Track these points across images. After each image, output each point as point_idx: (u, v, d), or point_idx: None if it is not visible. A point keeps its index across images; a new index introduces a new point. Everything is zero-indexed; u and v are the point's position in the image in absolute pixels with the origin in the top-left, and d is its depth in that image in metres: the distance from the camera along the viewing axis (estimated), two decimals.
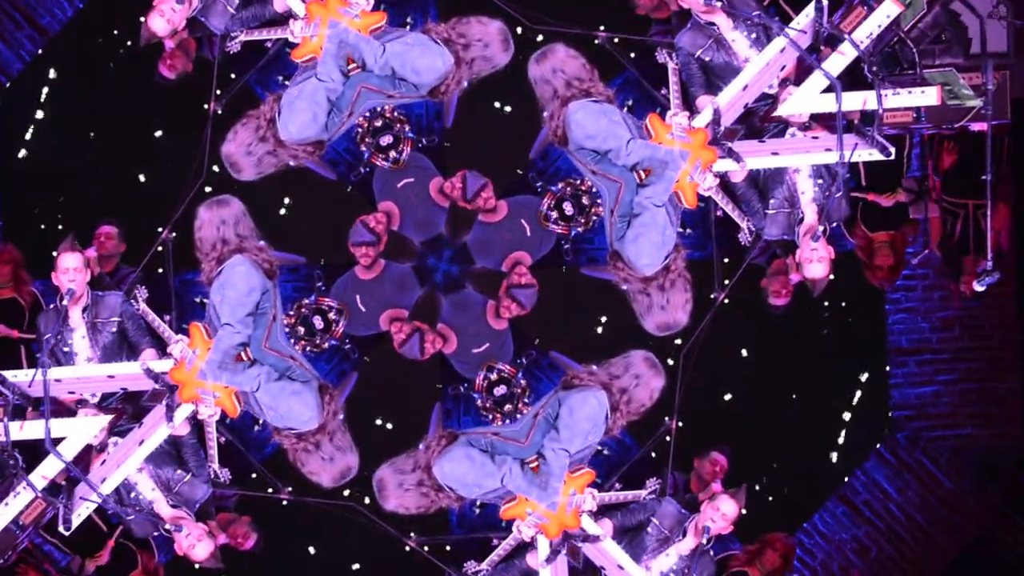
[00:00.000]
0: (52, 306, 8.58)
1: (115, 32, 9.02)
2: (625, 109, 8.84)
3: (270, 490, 8.87)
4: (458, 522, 8.96)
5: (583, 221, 8.69)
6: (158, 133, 8.96)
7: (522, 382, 8.71)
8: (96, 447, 8.50)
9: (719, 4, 8.20)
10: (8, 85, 9.11)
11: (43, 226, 9.14)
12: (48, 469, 8.20)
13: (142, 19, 8.60)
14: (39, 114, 9.10)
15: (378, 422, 9.07)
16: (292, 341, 8.64)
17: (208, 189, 8.92)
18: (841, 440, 9.25)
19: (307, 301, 8.70)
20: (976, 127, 8.26)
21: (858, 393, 9.30)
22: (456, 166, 8.80)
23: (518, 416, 8.63)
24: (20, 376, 8.26)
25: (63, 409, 8.54)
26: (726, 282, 8.81)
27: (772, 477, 9.11)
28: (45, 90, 9.10)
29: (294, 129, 8.42)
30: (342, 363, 8.85)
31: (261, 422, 8.81)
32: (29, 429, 8.16)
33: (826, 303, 9.03)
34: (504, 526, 8.70)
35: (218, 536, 8.78)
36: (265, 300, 8.51)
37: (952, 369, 9.43)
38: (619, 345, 8.96)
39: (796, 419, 9.13)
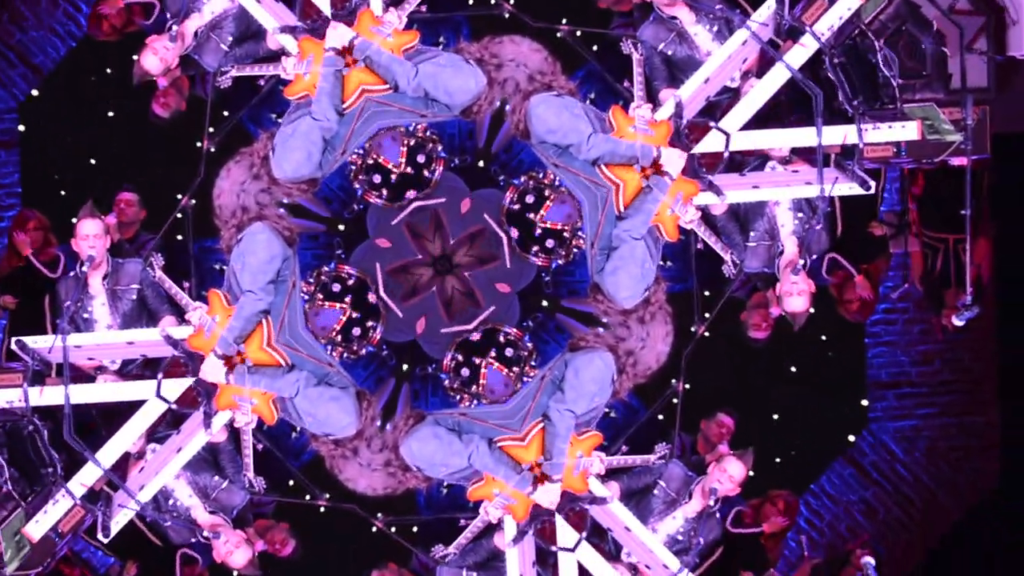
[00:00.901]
0: (72, 273, 8.54)
1: (108, 71, 9.01)
2: (587, 102, 8.77)
3: (308, 496, 8.84)
4: (426, 503, 8.89)
5: (564, 253, 8.62)
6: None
7: (528, 345, 8.58)
8: (134, 454, 8.48)
9: None
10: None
11: (63, 192, 9.07)
12: (87, 476, 8.20)
13: (135, 57, 8.61)
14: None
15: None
16: (327, 348, 8.53)
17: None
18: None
19: (327, 269, 8.60)
20: (956, 162, 8.25)
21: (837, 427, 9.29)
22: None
23: (525, 380, 8.49)
24: (40, 342, 8.24)
25: (83, 375, 8.51)
26: (706, 315, 8.78)
27: (779, 438, 9.02)
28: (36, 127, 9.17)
29: (288, 168, 8.38)
30: (379, 370, 8.77)
31: (299, 429, 8.76)
32: (49, 395, 8.15)
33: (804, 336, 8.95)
34: (472, 507, 8.61)
35: (256, 543, 8.73)
36: (285, 267, 8.42)
37: (931, 403, 9.45)
38: None
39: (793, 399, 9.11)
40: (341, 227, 8.76)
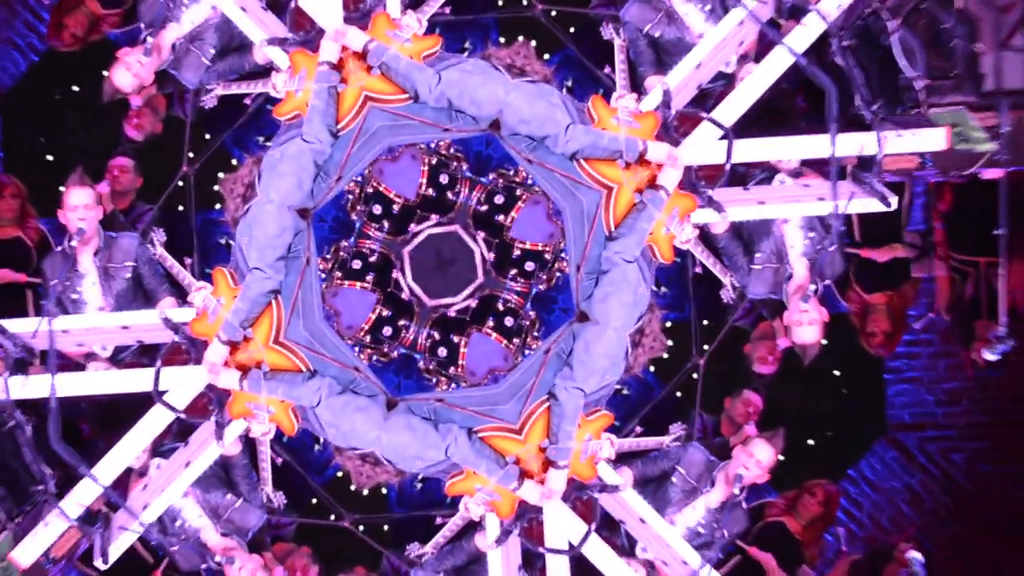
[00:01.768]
0: (59, 248, 8.26)
1: (75, 88, 8.87)
2: (564, 90, 8.47)
3: (332, 517, 8.60)
4: (397, 500, 8.73)
5: (545, 278, 8.13)
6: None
7: (531, 314, 8.12)
8: (137, 470, 8.23)
9: None
10: None
11: (50, 157, 8.83)
12: (83, 495, 7.89)
13: (105, 73, 8.37)
14: None
15: None
16: (356, 350, 8.07)
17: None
18: None
19: (346, 244, 8.11)
20: (989, 174, 7.99)
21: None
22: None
23: (527, 352, 8.03)
24: (23, 326, 7.87)
25: (71, 364, 8.26)
26: (705, 347, 8.59)
27: (812, 418, 8.81)
28: None
29: (277, 196, 7.90)
30: (412, 375, 8.29)
31: (322, 441, 8.56)
32: (33, 386, 7.79)
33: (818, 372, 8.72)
34: (449, 503, 8.37)
35: (274, 569, 8.48)
36: (298, 242, 7.97)
37: (958, 448, 9.23)
38: None
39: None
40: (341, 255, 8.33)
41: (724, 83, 8.27)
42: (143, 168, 8.76)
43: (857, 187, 7.98)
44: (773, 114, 8.29)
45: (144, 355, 8.34)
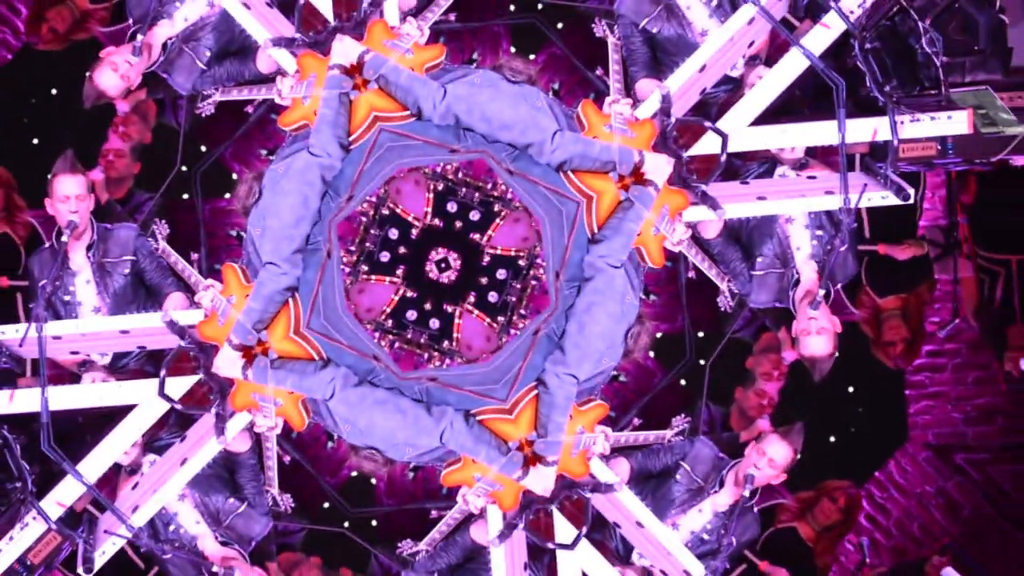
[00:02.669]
0: (48, 245, 8.06)
1: (53, 91, 8.48)
2: (550, 93, 8.33)
3: (346, 524, 8.35)
4: (387, 491, 8.44)
5: (519, 287, 7.92)
6: None
7: (517, 286, 7.95)
8: (126, 467, 7.99)
9: None
10: None
11: (36, 141, 8.46)
12: (65, 494, 7.67)
13: (88, 74, 8.07)
14: None
15: None
16: (375, 336, 7.80)
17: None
18: None
19: (374, 233, 7.94)
20: (1020, 161, 7.75)
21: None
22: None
23: (513, 332, 7.83)
24: (9, 333, 7.69)
25: (64, 374, 8.08)
26: (701, 362, 8.36)
27: (834, 413, 8.49)
28: None
29: (279, 216, 7.76)
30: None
31: (336, 438, 8.33)
32: (21, 400, 7.62)
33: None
34: (446, 494, 8.22)
35: None
36: (318, 232, 7.74)
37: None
38: None
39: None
40: (351, 283, 8.08)
41: (729, 88, 8.06)
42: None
43: (870, 178, 7.78)
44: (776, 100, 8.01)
45: (149, 361, 8.10)
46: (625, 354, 8.13)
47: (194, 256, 8.27)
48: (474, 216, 7.93)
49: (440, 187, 7.87)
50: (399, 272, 7.89)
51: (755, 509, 8.13)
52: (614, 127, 7.81)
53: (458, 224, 7.99)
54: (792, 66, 7.72)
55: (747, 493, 7.75)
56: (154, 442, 8.01)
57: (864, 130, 7.61)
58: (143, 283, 8.13)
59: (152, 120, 8.35)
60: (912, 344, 8.50)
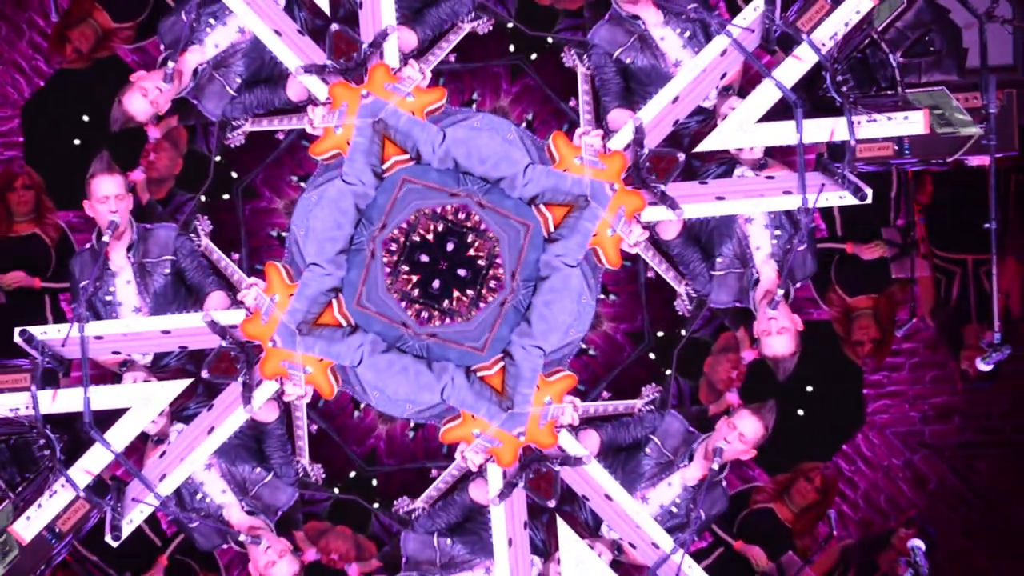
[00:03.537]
0: (89, 246, 7.96)
1: (85, 118, 8.55)
2: (524, 124, 8.42)
3: (376, 505, 8.36)
4: (387, 450, 8.45)
5: (477, 287, 7.91)
6: None
7: (482, 263, 7.84)
8: (153, 436, 7.96)
9: None
10: None
11: (77, 141, 8.53)
12: (93, 463, 7.62)
13: (117, 98, 8.01)
14: None
15: None
16: (402, 303, 7.73)
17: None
18: None
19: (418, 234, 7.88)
20: (975, 161, 7.74)
21: None
22: None
23: (481, 305, 7.73)
24: (52, 333, 7.63)
25: (106, 374, 8.08)
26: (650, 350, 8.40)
27: (800, 385, 8.51)
28: None
29: (312, 244, 7.68)
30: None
31: (362, 408, 8.38)
32: (64, 400, 7.58)
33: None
34: (446, 453, 8.28)
35: (306, 551, 8.27)
36: (362, 233, 7.66)
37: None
38: None
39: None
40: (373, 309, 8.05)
41: (701, 119, 8.03)
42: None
43: (828, 178, 7.73)
44: None
45: (190, 361, 8.10)
46: (593, 326, 8.17)
47: (234, 256, 8.29)
48: (449, 247, 7.89)
49: (440, 227, 7.85)
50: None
51: (724, 484, 8.09)
52: (585, 159, 7.78)
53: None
54: (765, 97, 7.71)
55: (716, 467, 7.75)
56: (182, 411, 8.03)
57: (822, 130, 7.60)
58: (184, 283, 8.11)
59: (183, 147, 8.37)
60: (881, 344, 8.52)
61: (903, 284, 8.59)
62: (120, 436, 7.68)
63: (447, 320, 7.77)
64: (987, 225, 7.57)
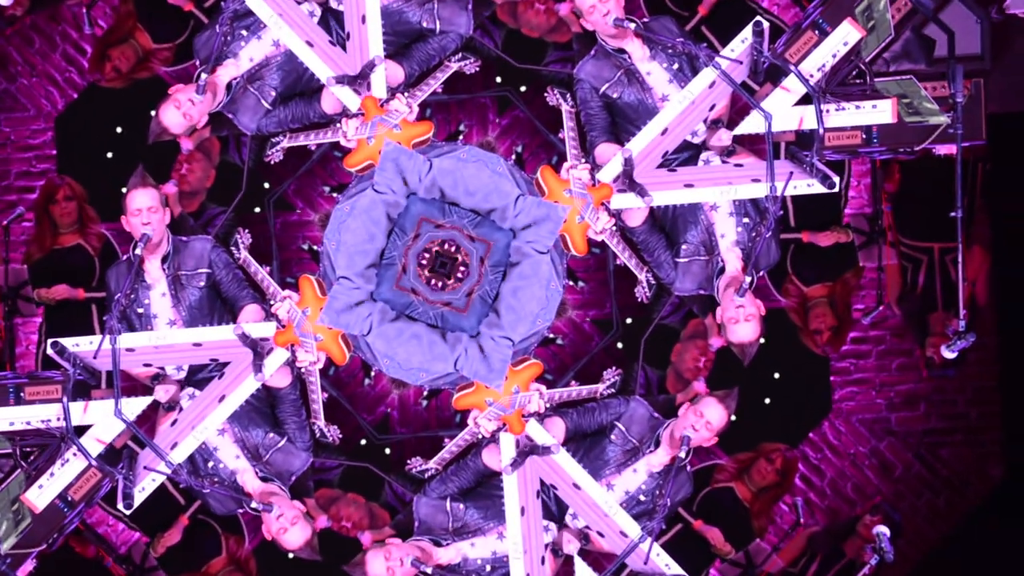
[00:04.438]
0: (125, 257, 7.96)
1: (118, 130, 8.52)
2: (513, 156, 8.39)
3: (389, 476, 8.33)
4: (400, 419, 8.42)
5: (445, 275, 7.90)
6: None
7: (451, 250, 7.79)
8: (164, 403, 7.94)
9: (632, 26, 7.69)
10: None
11: (110, 155, 8.52)
12: (104, 431, 7.62)
13: (153, 112, 8.01)
14: None
15: None
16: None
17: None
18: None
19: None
20: (943, 150, 7.79)
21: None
22: None
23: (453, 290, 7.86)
24: (83, 345, 7.63)
25: (137, 386, 8.08)
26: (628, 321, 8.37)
27: (767, 372, 8.55)
28: None
29: (344, 253, 7.70)
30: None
31: (373, 375, 8.36)
32: (95, 411, 7.60)
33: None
34: (459, 422, 8.24)
35: (317, 518, 8.20)
36: (393, 247, 7.69)
37: (915, 457, 8.89)
38: None
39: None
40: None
41: (690, 153, 8.04)
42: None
43: (796, 166, 7.74)
44: None
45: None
46: (559, 314, 8.22)
47: (265, 269, 8.27)
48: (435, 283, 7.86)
49: (437, 252, 7.79)
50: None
51: (689, 468, 8.09)
52: (573, 192, 7.79)
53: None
54: (754, 129, 7.70)
55: (683, 454, 7.74)
56: (193, 377, 8.02)
57: (791, 119, 7.57)
58: (219, 295, 8.08)
59: (216, 158, 8.35)
60: (838, 331, 8.53)
61: (857, 271, 8.62)
62: (132, 405, 7.66)
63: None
64: (954, 213, 7.56)
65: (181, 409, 7.88)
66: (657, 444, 7.96)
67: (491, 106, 8.42)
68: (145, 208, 7.71)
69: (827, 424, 8.68)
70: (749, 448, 8.41)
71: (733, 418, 7.92)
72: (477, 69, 8.24)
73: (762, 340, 7.97)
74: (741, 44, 7.66)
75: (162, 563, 8.38)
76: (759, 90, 7.78)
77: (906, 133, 7.62)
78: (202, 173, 8.35)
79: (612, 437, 8.06)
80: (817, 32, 7.58)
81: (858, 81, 7.59)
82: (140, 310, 7.96)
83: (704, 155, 8.03)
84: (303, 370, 7.99)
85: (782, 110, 7.56)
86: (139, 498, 7.72)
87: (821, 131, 7.53)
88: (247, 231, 8.23)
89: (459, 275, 7.70)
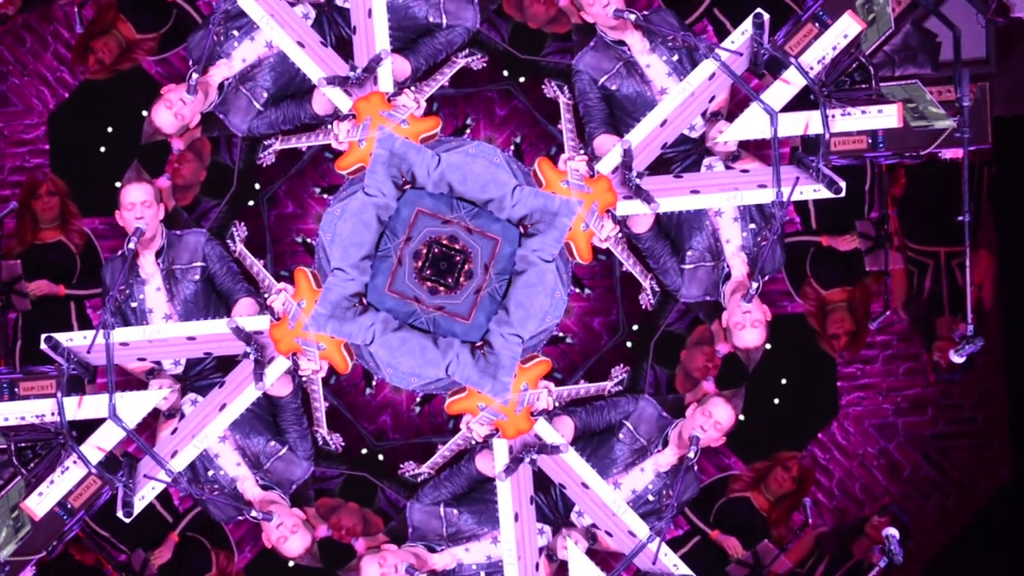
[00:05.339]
0: (120, 252, 7.88)
1: (109, 129, 8.56)
2: (512, 147, 8.39)
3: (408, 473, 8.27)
4: (393, 425, 8.46)
5: (450, 280, 7.81)
6: None
7: (459, 247, 7.77)
8: (165, 411, 7.97)
9: (632, 17, 7.65)
10: None
11: (103, 149, 8.54)
12: (104, 439, 7.63)
13: (145, 112, 8.08)
14: None
15: None
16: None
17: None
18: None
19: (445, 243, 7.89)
20: (949, 154, 7.78)
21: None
22: None
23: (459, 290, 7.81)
24: (78, 339, 7.60)
25: (132, 381, 8.06)
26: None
27: (774, 374, 8.58)
28: None
29: (337, 252, 7.68)
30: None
31: (374, 385, 8.40)
32: (89, 406, 7.57)
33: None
34: (451, 427, 8.25)
35: (317, 527, 8.17)
36: (389, 239, 7.68)
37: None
38: None
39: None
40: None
41: (689, 147, 8.01)
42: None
43: (802, 171, 7.70)
44: None
45: (220, 370, 8.04)
46: (567, 312, 8.18)
47: (260, 262, 8.26)
48: (441, 266, 7.83)
49: (436, 251, 7.77)
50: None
51: (696, 470, 8.04)
52: (571, 183, 7.76)
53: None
54: (754, 122, 7.67)
55: (691, 454, 7.70)
56: (194, 385, 8.04)
57: (796, 124, 7.55)
58: (214, 289, 8.08)
59: (207, 158, 8.32)
60: (856, 336, 8.50)
61: (877, 276, 8.58)
62: (132, 413, 7.66)
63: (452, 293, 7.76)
64: (960, 218, 7.55)
65: (183, 416, 7.86)
66: (665, 444, 7.94)
67: (497, 100, 8.40)
68: (139, 202, 7.69)
69: (835, 424, 8.66)
70: (764, 457, 8.40)
71: (742, 417, 7.88)
72: (484, 65, 8.23)
73: (768, 346, 7.96)
74: (741, 36, 7.66)
75: None
76: (760, 81, 7.82)
77: (912, 137, 7.59)
78: (194, 172, 8.36)
79: (620, 436, 8.04)
80: (817, 24, 7.55)
81: (863, 86, 7.57)
82: (135, 304, 7.97)
83: (707, 160, 8.02)
84: (305, 379, 7.97)
85: (781, 103, 7.57)
86: (139, 506, 7.72)
87: (827, 136, 7.50)
88: (243, 224, 8.21)
89: (463, 276, 7.67)
